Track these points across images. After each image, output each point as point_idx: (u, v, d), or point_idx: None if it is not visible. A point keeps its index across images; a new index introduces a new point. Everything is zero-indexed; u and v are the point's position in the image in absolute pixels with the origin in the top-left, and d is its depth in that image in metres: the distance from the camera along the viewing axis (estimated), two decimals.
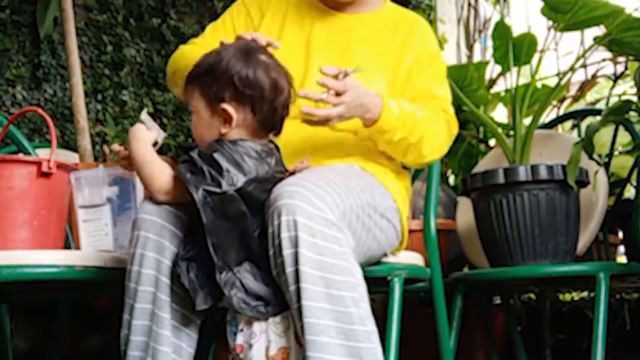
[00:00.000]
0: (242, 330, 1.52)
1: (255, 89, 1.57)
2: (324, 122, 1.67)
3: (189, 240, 1.56)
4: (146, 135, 1.63)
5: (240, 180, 1.51)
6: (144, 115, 1.66)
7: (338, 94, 1.65)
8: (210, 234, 1.49)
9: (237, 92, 1.57)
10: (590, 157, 2.26)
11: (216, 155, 1.53)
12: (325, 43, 1.90)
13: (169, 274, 1.57)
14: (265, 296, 1.50)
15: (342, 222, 1.51)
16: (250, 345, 1.50)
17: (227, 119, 1.58)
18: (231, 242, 1.51)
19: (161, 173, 1.59)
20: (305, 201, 1.47)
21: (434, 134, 1.85)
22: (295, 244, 1.45)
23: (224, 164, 1.52)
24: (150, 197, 1.61)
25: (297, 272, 1.45)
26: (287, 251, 1.46)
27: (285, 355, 1.50)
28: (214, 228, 1.49)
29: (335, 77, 1.67)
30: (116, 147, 1.68)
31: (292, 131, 1.73)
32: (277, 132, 1.65)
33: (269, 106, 1.59)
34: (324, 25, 1.93)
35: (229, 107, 1.57)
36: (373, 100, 1.72)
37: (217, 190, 1.50)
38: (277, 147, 1.65)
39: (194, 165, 1.53)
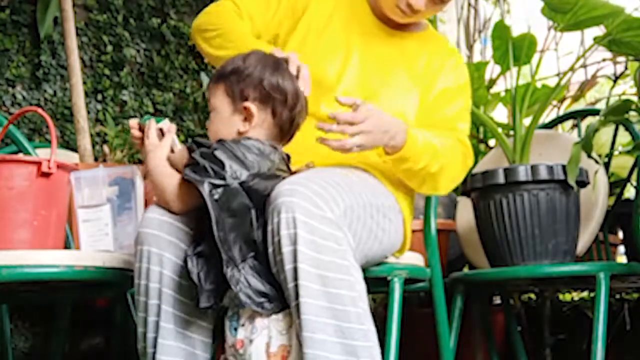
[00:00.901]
0: (243, 325, 1.52)
1: (280, 94, 1.62)
2: (343, 150, 1.65)
3: (197, 239, 1.57)
4: (160, 147, 1.64)
5: (243, 174, 1.53)
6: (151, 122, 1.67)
7: (352, 124, 1.63)
8: (217, 228, 1.49)
9: (262, 94, 1.62)
10: (589, 156, 2.26)
11: (217, 153, 1.54)
12: (365, 48, 1.90)
13: (171, 285, 1.57)
14: (269, 292, 1.50)
15: (341, 221, 1.51)
16: (251, 341, 1.50)
17: (247, 118, 1.62)
18: (234, 239, 1.51)
19: (172, 178, 1.60)
20: (305, 199, 1.47)
21: (452, 166, 1.85)
22: (294, 241, 1.45)
23: (226, 160, 1.53)
24: (153, 206, 1.61)
25: (295, 270, 1.45)
26: (286, 249, 1.46)
27: (286, 353, 1.49)
28: (220, 222, 1.50)
29: (350, 107, 1.66)
30: (133, 122, 1.68)
31: (298, 132, 1.73)
32: (288, 140, 1.68)
33: (288, 113, 1.63)
34: (366, 32, 1.93)
35: (252, 106, 1.61)
36: (397, 128, 1.71)
37: (221, 182, 1.51)
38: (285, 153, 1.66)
39: (197, 165, 1.54)
